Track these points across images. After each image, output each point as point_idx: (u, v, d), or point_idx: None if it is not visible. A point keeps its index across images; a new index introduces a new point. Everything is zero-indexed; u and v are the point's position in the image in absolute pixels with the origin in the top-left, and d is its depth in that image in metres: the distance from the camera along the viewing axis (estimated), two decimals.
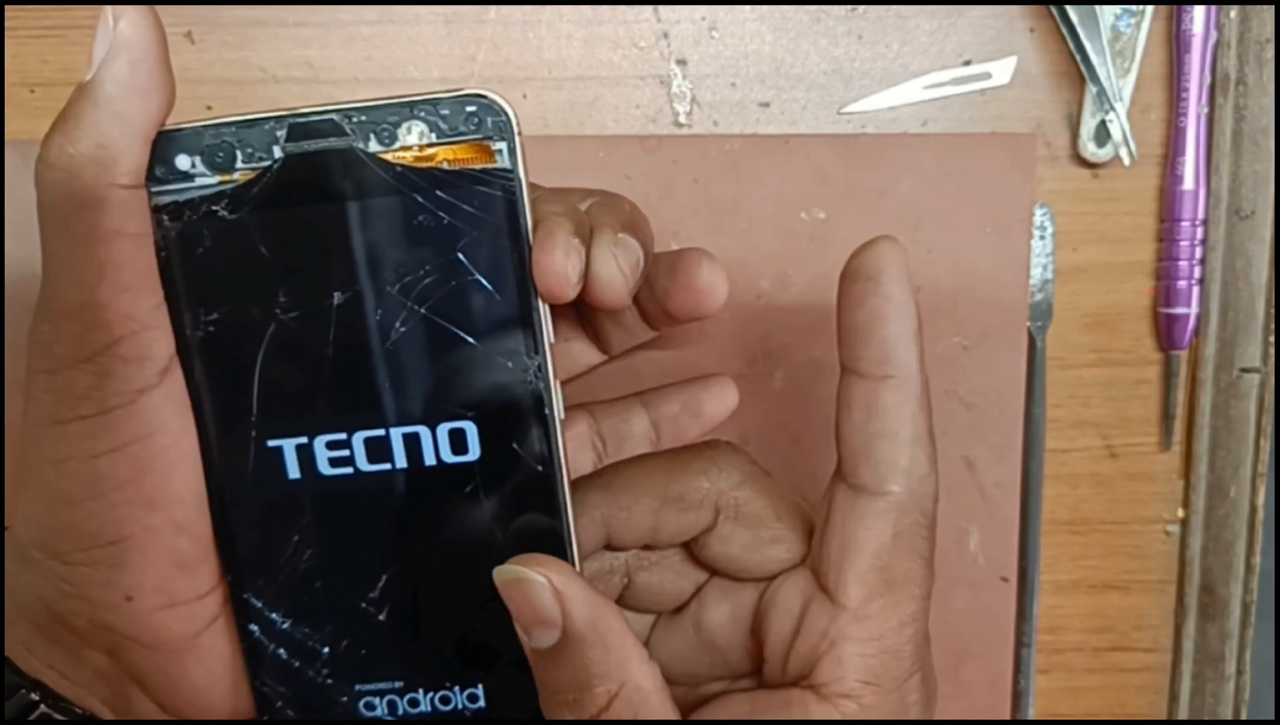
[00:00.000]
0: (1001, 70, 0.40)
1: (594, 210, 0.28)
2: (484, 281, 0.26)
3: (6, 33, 0.39)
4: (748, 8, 0.40)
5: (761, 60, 0.40)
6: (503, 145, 0.25)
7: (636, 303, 0.31)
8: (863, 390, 0.28)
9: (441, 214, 0.25)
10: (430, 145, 0.25)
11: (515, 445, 0.27)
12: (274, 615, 0.28)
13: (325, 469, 0.27)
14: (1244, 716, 0.43)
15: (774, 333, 0.40)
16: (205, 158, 0.25)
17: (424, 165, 0.25)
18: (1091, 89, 0.40)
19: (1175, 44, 0.40)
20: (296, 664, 0.28)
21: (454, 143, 0.25)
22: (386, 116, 0.25)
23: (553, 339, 0.27)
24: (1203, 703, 0.43)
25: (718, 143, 0.39)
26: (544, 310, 0.26)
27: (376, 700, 0.28)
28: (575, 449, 0.35)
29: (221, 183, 0.25)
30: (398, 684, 0.28)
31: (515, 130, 0.25)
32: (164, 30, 0.24)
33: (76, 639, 0.27)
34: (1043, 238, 0.41)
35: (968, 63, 0.40)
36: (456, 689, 0.28)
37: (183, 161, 0.25)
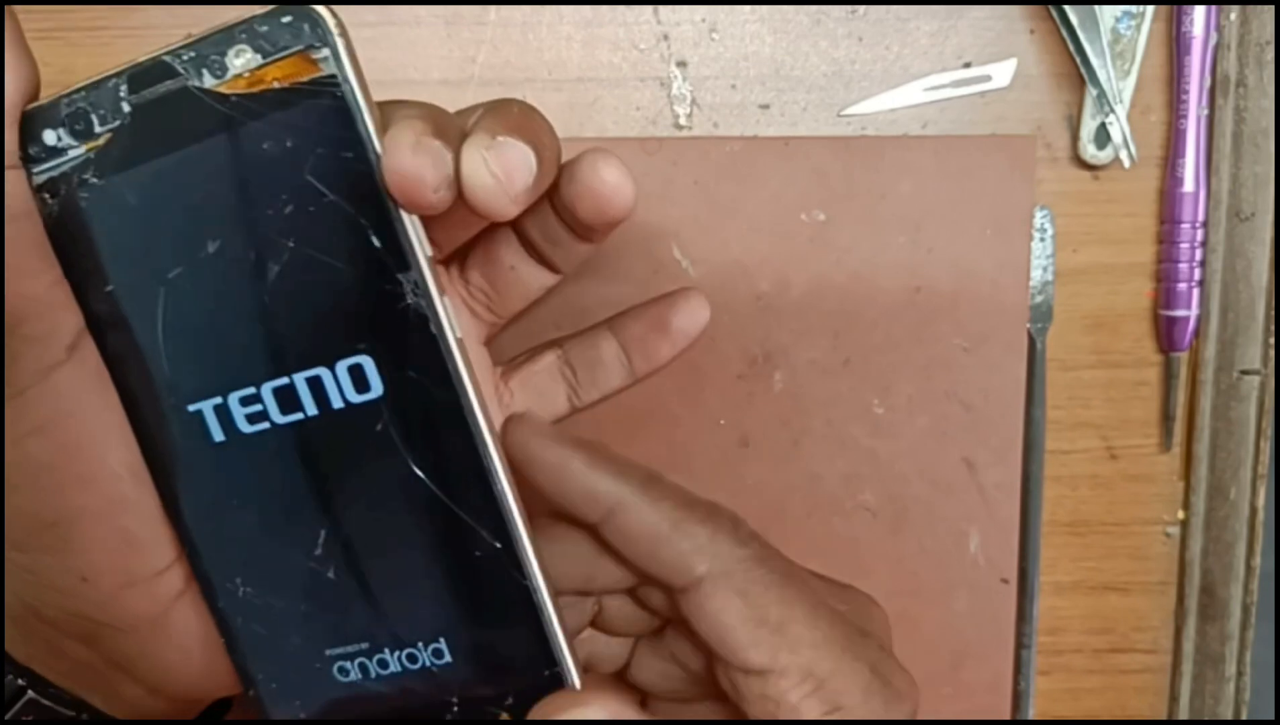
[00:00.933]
0: (1001, 72, 0.40)
1: (478, 119, 0.26)
2: (341, 202, 0.24)
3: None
4: (748, 9, 0.40)
5: (761, 62, 0.40)
6: (325, 51, 0.24)
7: (556, 215, 0.30)
8: (686, 605, 0.27)
9: (283, 138, 0.24)
10: (259, 68, 0.24)
11: (412, 373, 0.25)
12: (233, 585, 0.27)
13: (244, 427, 0.26)
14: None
15: (774, 334, 0.40)
16: (67, 128, 0.25)
17: (257, 89, 0.24)
18: (1091, 91, 0.40)
19: (1175, 46, 0.40)
20: (265, 632, 0.27)
21: (279, 59, 0.24)
22: (214, 48, 0.24)
23: (430, 252, 0.25)
24: (1203, 704, 0.43)
25: (718, 145, 0.39)
26: (412, 222, 0.25)
27: (349, 664, 0.27)
28: (545, 382, 0.35)
29: (88, 150, 0.25)
30: (363, 645, 0.27)
31: (334, 32, 0.24)
32: (11, 11, 0.24)
33: (53, 630, 0.27)
34: (1043, 239, 0.41)
35: (968, 65, 0.40)
36: (420, 644, 0.27)
37: (49, 136, 0.25)
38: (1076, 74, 0.40)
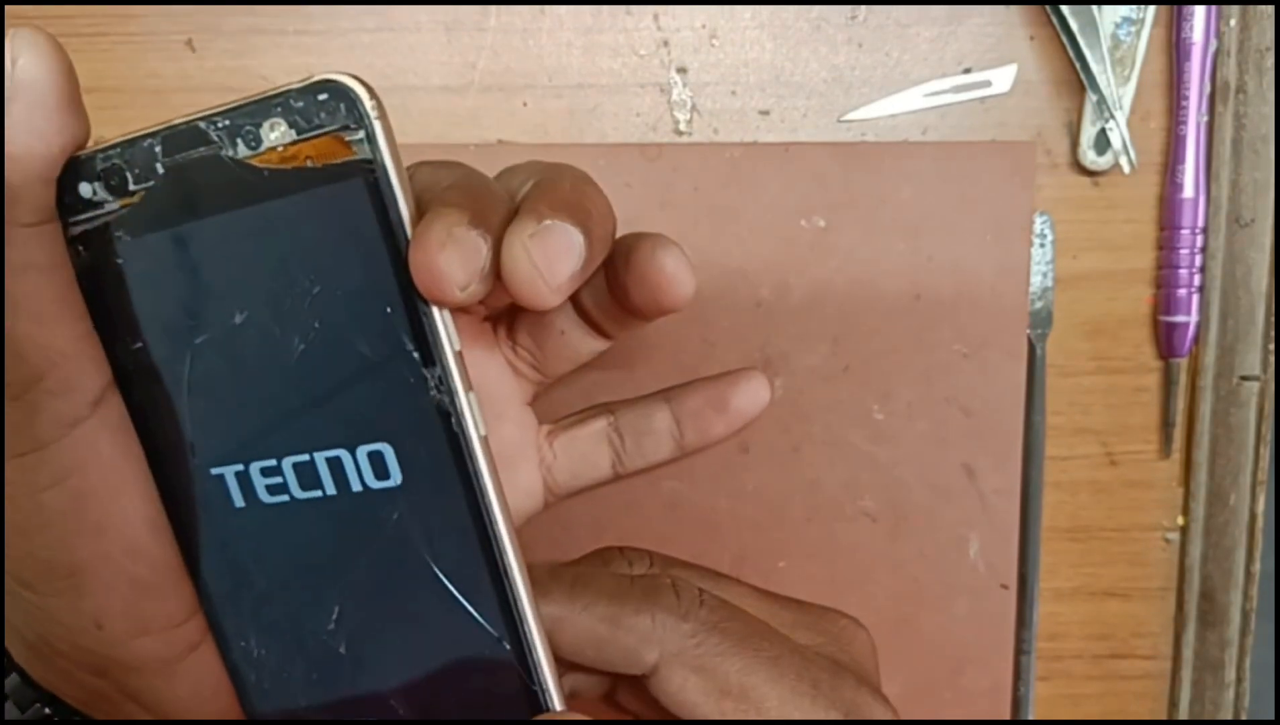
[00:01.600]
0: (1002, 78, 0.40)
1: (527, 192, 0.25)
2: (369, 288, 0.24)
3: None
4: (748, 15, 0.40)
5: (762, 68, 0.40)
6: (360, 134, 0.23)
7: (610, 288, 0.29)
8: (649, 689, 0.27)
9: (315, 217, 0.24)
10: (293, 143, 0.23)
11: (432, 466, 0.25)
12: (249, 645, 0.27)
13: (265, 497, 0.26)
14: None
15: (774, 340, 0.40)
16: (103, 182, 0.25)
17: (290, 165, 0.24)
18: (1091, 97, 0.40)
19: (1175, 52, 0.40)
20: (277, 693, 0.27)
21: (313, 137, 0.23)
22: (248, 118, 0.24)
23: (457, 346, 0.24)
24: (1202, 710, 0.43)
25: (718, 150, 0.39)
26: (441, 315, 0.24)
27: None
28: (591, 446, 0.34)
29: (122, 206, 0.25)
30: (371, 718, 0.27)
31: (371, 115, 0.23)
32: (69, 63, 0.23)
33: (67, 661, 0.27)
34: (1043, 245, 0.41)
35: (968, 70, 0.40)
36: None
37: (85, 189, 0.25)
38: (1076, 80, 0.40)
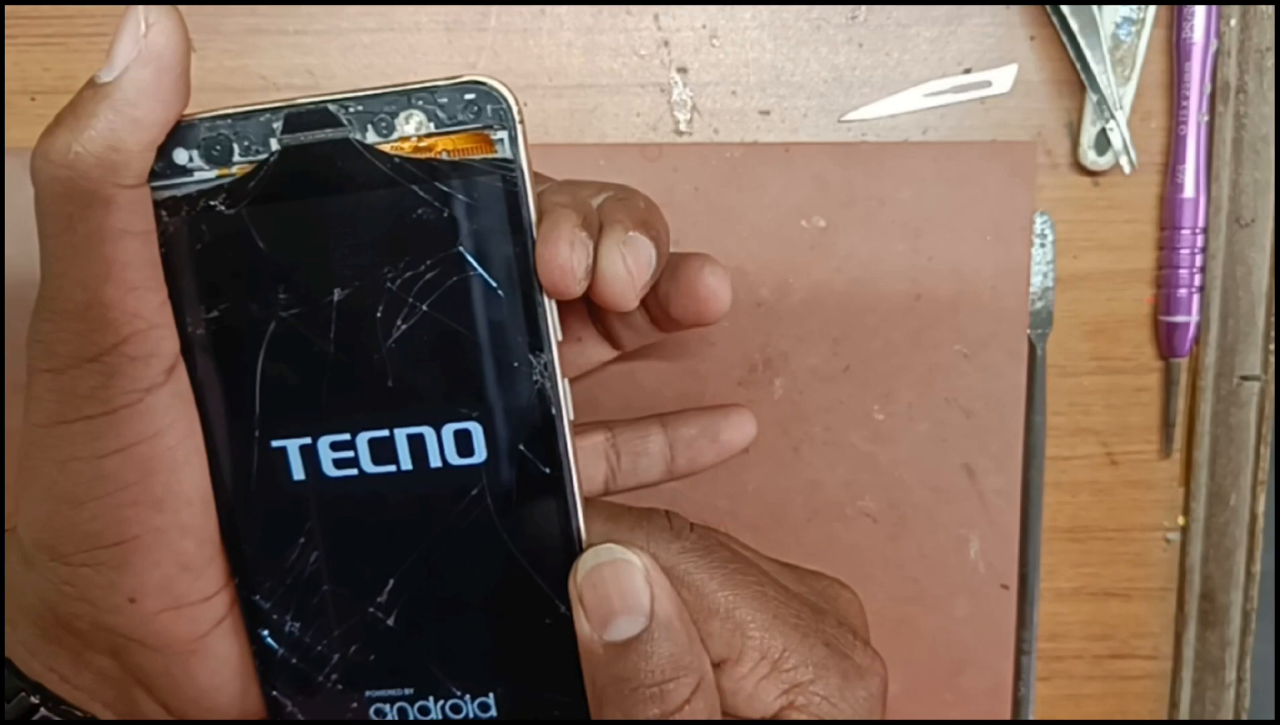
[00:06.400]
0: (1002, 78, 0.40)
1: (606, 205, 0.27)
2: (487, 277, 0.25)
3: (7, 40, 0.39)
4: (748, 16, 0.40)
5: (762, 68, 0.40)
6: (503, 134, 0.24)
7: (643, 304, 0.31)
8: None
9: (442, 207, 0.25)
10: (429, 135, 0.25)
11: (522, 447, 0.26)
12: (281, 618, 0.27)
13: (330, 470, 0.26)
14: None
15: (774, 341, 0.40)
16: (202, 151, 0.25)
17: (423, 156, 0.25)
18: (1092, 97, 0.40)
19: (1175, 52, 0.40)
20: (306, 668, 0.27)
21: (453, 132, 0.25)
22: (384, 106, 0.25)
23: (560, 337, 0.26)
24: (1203, 710, 0.43)
25: (718, 150, 0.39)
26: (550, 307, 0.25)
27: (387, 707, 0.28)
28: (589, 459, 0.35)
29: (219, 177, 0.25)
30: (408, 690, 0.27)
31: (516, 118, 0.25)
32: (189, 36, 0.24)
33: (79, 641, 0.27)
34: (1043, 245, 0.41)
35: (968, 71, 0.40)
36: (467, 697, 0.28)
37: (180, 156, 0.25)
38: (1077, 80, 0.40)
